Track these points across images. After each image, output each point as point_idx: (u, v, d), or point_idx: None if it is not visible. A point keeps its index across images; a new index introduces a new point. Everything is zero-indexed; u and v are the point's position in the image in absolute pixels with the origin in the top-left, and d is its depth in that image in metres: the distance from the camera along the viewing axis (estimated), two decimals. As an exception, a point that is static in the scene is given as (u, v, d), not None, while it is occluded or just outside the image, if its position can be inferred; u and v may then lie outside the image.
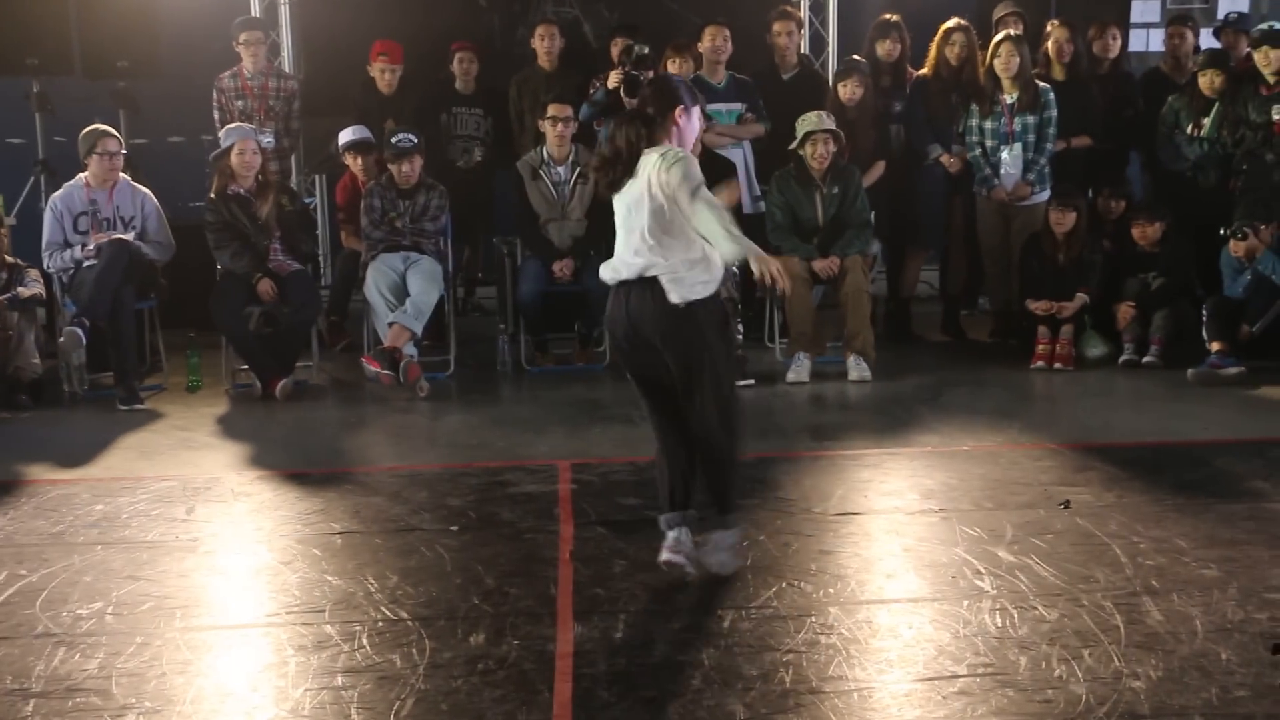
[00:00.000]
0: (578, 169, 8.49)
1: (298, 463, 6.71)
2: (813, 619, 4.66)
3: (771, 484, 6.17)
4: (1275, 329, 8.19)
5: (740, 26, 9.15)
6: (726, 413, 4.93)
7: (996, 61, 8.77)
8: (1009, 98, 8.77)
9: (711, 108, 8.62)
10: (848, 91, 8.81)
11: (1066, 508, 5.75)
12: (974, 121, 8.87)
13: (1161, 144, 9.06)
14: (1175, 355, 8.23)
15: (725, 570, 5.02)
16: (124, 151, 8.25)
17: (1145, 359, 8.34)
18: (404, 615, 4.73)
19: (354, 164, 9.01)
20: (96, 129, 8.17)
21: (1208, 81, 8.81)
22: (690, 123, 5.00)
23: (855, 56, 9.06)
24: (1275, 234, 8.25)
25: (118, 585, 5.06)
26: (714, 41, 8.94)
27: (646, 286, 4.87)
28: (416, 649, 4.45)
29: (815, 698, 4.07)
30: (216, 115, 9.18)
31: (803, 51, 9.70)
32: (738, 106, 9.00)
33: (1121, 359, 8.41)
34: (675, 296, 4.81)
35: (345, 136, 9.02)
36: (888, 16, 9.23)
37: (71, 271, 8.01)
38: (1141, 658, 4.30)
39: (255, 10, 9.90)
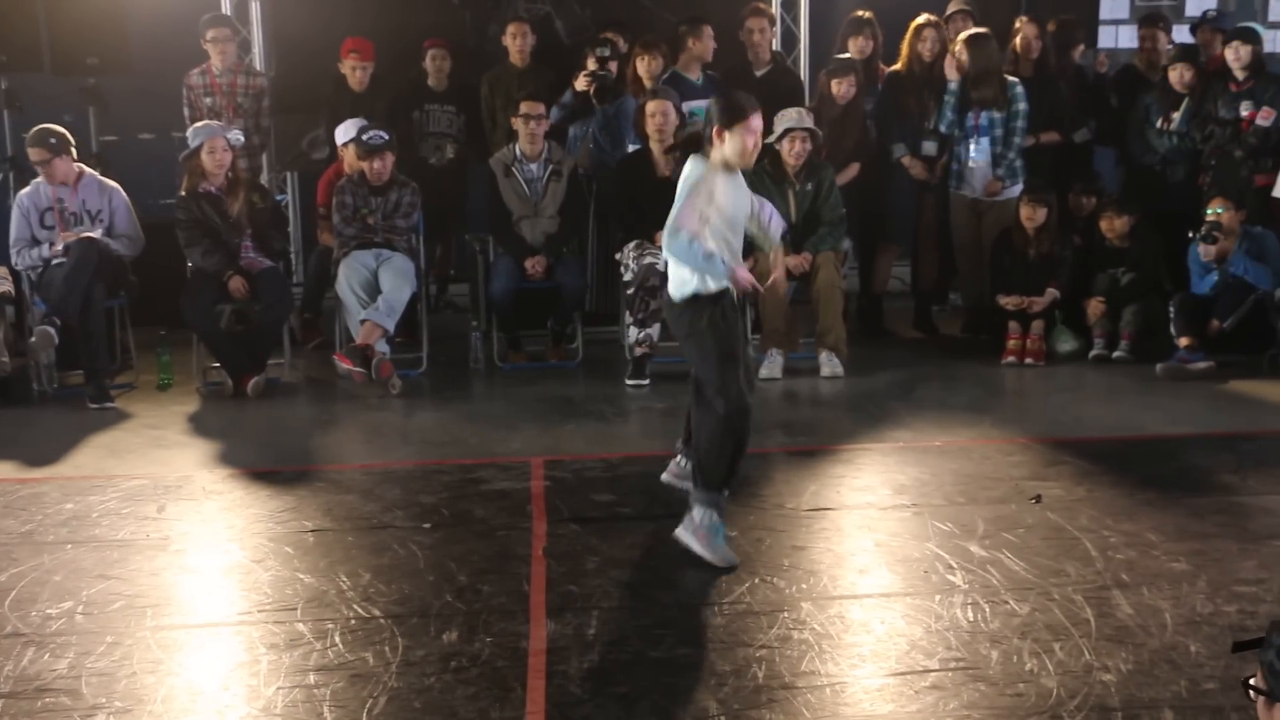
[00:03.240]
0: (550, 166, 8.48)
1: (270, 460, 6.69)
2: (786, 614, 4.67)
3: (744, 479, 6.16)
4: (1245, 324, 8.25)
5: (713, 24, 9.14)
6: (711, 398, 5.17)
7: (948, 59, 8.82)
8: (974, 93, 8.80)
9: (689, 105, 8.62)
10: (841, 90, 8.80)
11: (1038, 502, 5.77)
12: (949, 114, 8.88)
13: (1133, 138, 9.12)
14: (1145, 350, 8.28)
15: (689, 546, 5.18)
16: (53, 157, 8.05)
17: (1115, 354, 8.38)
18: (376, 613, 4.73)
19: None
20: (31, 134, 8.10)
21: (1177, 76, 8.87)
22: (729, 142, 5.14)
23: (845, 54, 9.06)
24: (1242, 226, 8.31)
25: (88, 584, 5.04)
26: (706, 43, 8.95)
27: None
28: (389, 647, 4.45)
29: (788, 693, 4.08)
30: (186, 112, 9.13)
31: (775, 49, 9.70)
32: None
33: (1092, 354, 8.45)
34: (673, 291, 5.23)
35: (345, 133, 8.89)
36: (860, 14, 9.25)
37: (40, 270, 7.96)
38: (1112, 651, 4.33)
39: (225, 7, 9.85)
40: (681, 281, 5.18)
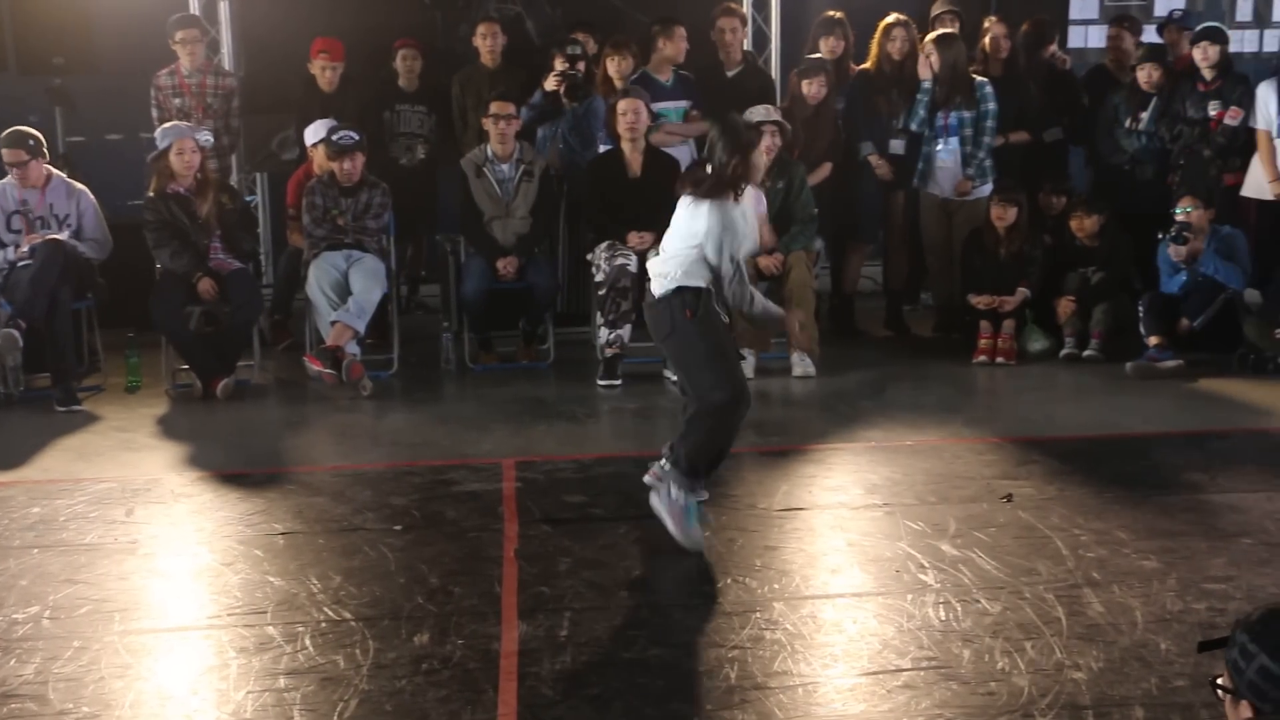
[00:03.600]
0: (522, 167, 8.46)
1: (239, 463, 6.65)
2: (758, 615, 4.67)
3: (716, 480, 6.13)
4: (1214, 323, 8.29)
5: (684, 24, 9.12)
6: (707, 391, 5.28)
7: (920, 59, 8.85)
8: (944, 93, 8.82)
9: (659, 106, 8.62)
10: (812, 90, 8.80)
11: (1009, 501, 5.79)
12: (921, 113, 8.90)
13: (1101, 138, 9.15)
14: (1115, 349, 8.30)
15: (661, 518, 5.32)
16: (30, 159, 8.01)
17: (1086, 352, 8.40)
18: (347, 615, 4.71)
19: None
20: (7, 135, 8.04)
21: (1145, 75, 8.91)
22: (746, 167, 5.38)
23: (816, 54, 9.06)
24: (1212, 225, 8.35)
25: (55, 589, 5.00)
26: (679, 45, 8.94)
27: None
28: (360, 649, 4.43)
29: (760, 693, 4.08)
30: (154, 113, 9.07)
31: (746, 49, 9.70)
32: (685, 104, 9.00)
33: (1062, 353, 8.47)
34: (657, 288, 5.34)
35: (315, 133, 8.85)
36: (831, 14, 9.26)
37: (6, 272, 7.90)
38: (1083, 649, 4.34)
39: (194, 7, 9.80)
40: (665, 276, 5.28)
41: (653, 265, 5.47)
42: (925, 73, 8.84)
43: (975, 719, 3.91)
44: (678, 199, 5.43)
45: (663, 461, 5.47)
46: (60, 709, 4.03)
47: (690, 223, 5.30)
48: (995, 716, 3.92)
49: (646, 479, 5.53)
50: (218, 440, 7.13)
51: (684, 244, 5.31)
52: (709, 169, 5.35)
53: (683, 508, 5.27)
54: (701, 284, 5.25)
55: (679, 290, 5.25)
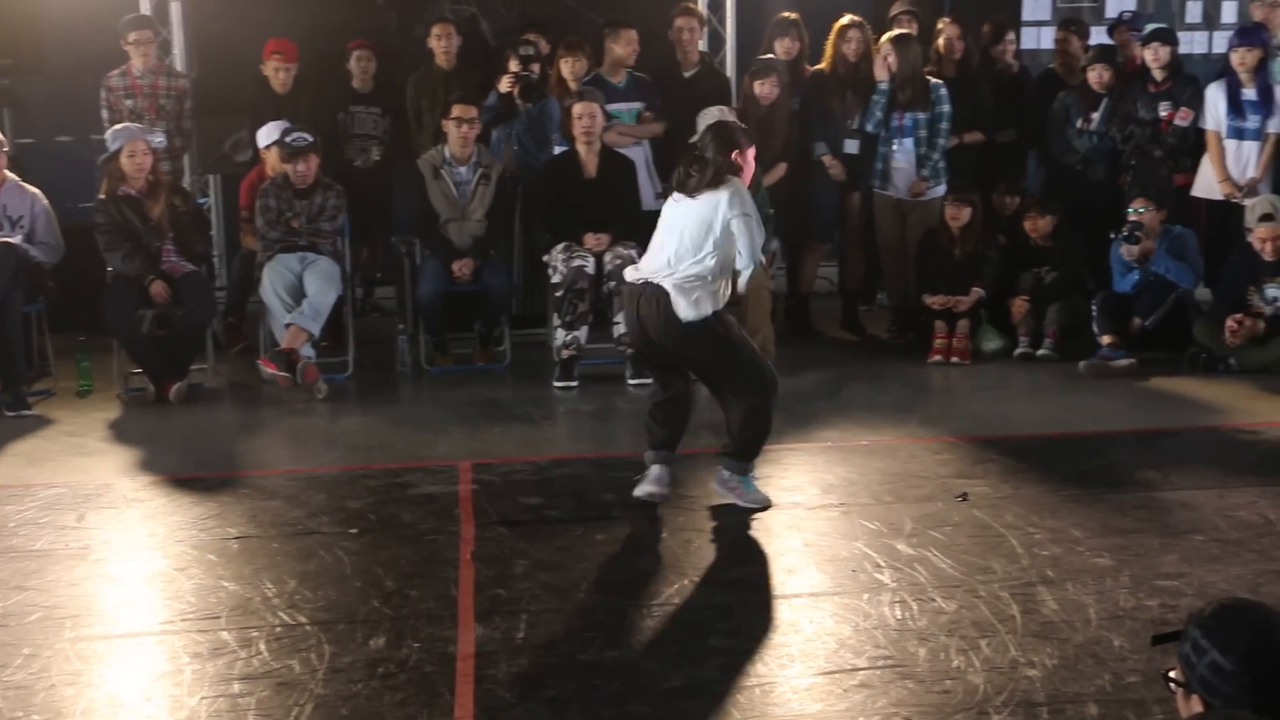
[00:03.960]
0: (479, 169, 8.43)
1: (192, 467, 6.60)
2: (714, 615, 4.67)
3: (673, 481, 6.17)
4: (1165, 322, 8.36)
5: (639, 25, 9.13)
6: (746, 387, 5.69)
7: (877, 61, 8.88)
8: (900, 94, 8.86)
9: (612, 107, 8.61)
10: (765, 90, 8.81)
11: (964, 500, 5.81)
12: (878, 114, 8.92)
13: (1052, 138, 9.21)
14: (1069, 348, 8.36)
15: (726, 497, 5.78)
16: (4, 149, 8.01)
17: (1040, 352, 8.45)
18: (302, 620, 4.68)
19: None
20: None
21: (1096, 76, 8.97)
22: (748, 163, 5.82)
23: (769, 55, 9.07)
24: (1163, 225, 8.42)
25: (4, 596, 4.95)
26: (627, 47, 8.93)
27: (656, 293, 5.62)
28: (315, 654, 4.40)
29: (717, 694, 4.08)
30: (105, 114, 8.99)
31: (702, 49, 9.71)
32: (638, 105, 9.00)
33: (1017, 352, 8.51)
34: (685, 314, 5.57)
35: (268, 135, 8.80)
36: (786, 15, 9.27)
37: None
38: (1037, 646, 4.36)
39: (145, 8, 9.72)
40: (696, 303, 5.56)
41: (657, 268, 5.70)
42: (882, 74, 8.86)
43: (931, 717, 3.92)
44: (658, 201, 5.64)
45: (662, 469, 5.86)
46: (10, 717, 3.99)
47: (698, 223, 5.63)
48: (951, 714, 3.93)
49: (646, 491, 5.83)
50: (170, 444, 7.07)
51: (696, 248, 5.63)
52: (700, 167, 5.66)
53: (740, 482, 5.77)
54: (720, 287, 5.70)
55: (712, 314, 5.60)
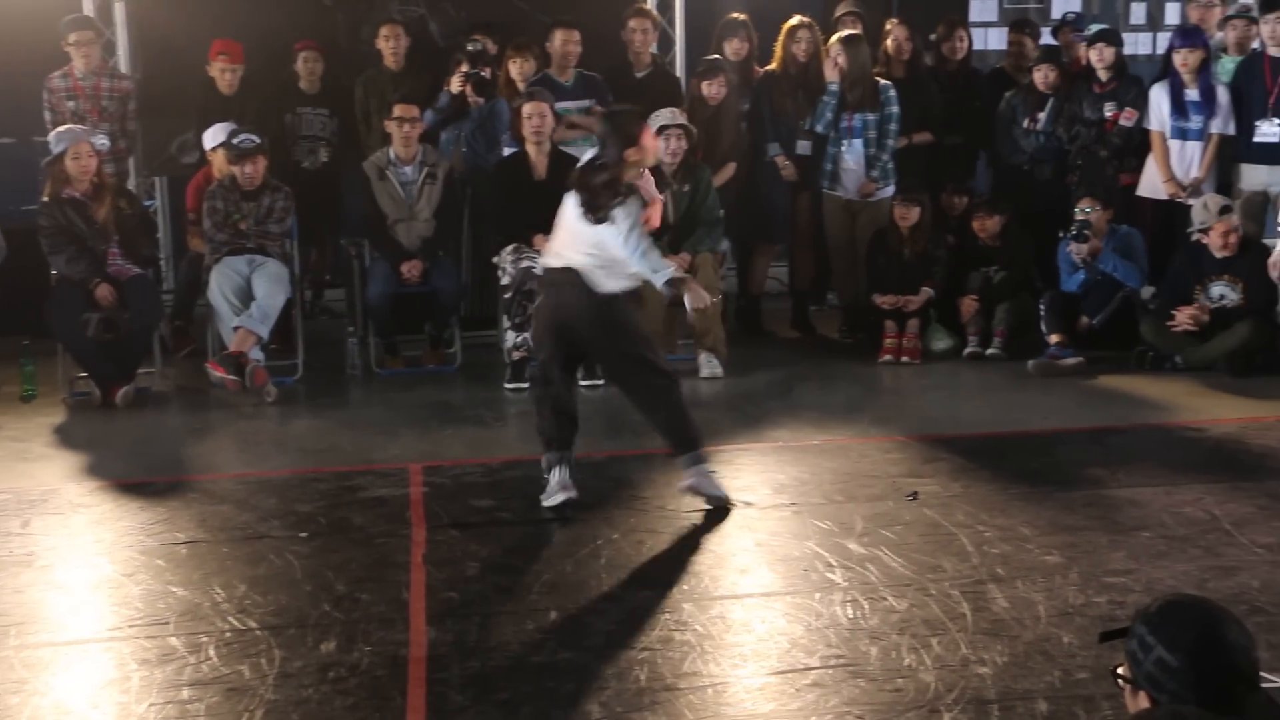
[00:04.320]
0: (425, 169, 8.40)
1: (140, 472, 6.54)
2: (667, 616, 4.67)
3: (625, 482, 6.18)
4: (1112, 321, 8.43)
5: (589, 25, 9.12)
6: (655, 371, 5.80)
7: (825, 62, 8.91)
8: (849, 95, 8.89)
9: (561, 106, 8.59)
10: (712, 90, 8.82)
11: (914, 499, 5.84)
12: (827, 115, 8.95)
13: (1000, 138, 9.27)
14: (1017, 347, 8.41)
15: (715, 490, 5.77)
16: None
17: (989, 351, 8.50)
18: (252, 625, 4.64)
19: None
20: None
21: (1041, 76, 9.04)
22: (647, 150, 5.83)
23: (715, 56, 9.08)
24: (1110, 225, 8.50)
25: (-50, 603, 4.89)
26: (565, 46, 8.92)
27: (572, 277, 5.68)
28: (265, 659, 4.37)
29: (670, 694, 4.08)
30: (48, 116, 8.89)
31: (653, 50, 9.71)
32: (586, 103, 8.99)
33: (966, 351, 8.56)
34: (604, 284, 5.66)
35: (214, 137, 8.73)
36: (735, 15, 9.29)
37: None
38: (988, 644, 4.39)
39: (88, 9, 9.63)
40: (613, 276, 5.66)
41: (568, 255, 5.73)
42: (833, 75, 8.88)
43: (883, 715, 3.94)
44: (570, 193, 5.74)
45: (565, 469, 5.84)
46: (-45, 726, 3.94)
47: (592, 231, 5.64)
48: (903, 712, 3.95)
49: (559, 498, 5.80)
50: (117, 449, 7.01)
51: (588, 249, 5.66)
52: (602, 168, 5.67)
53: (704, 474, 5.78)
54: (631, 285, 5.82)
55: (621, 292, 5.74)
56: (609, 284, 5.67)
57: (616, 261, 5.64)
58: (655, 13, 9.66)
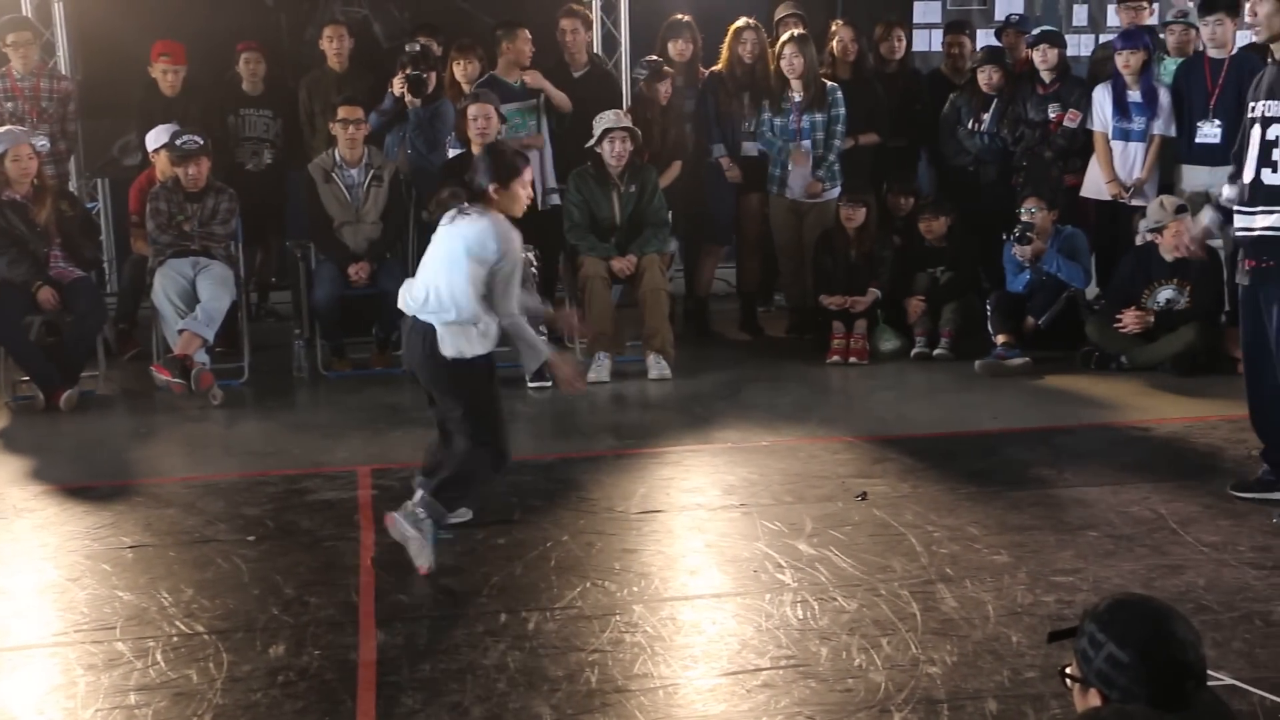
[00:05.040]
0: (371, 171, 8.37)
1: (85, 476, 6.47)
2: (617, 618, 4.67)
3: (574, 484, 6.16)
4: (1058, 321, 8.50)
5: (532, 25, 9.10)
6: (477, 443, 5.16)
7: (781, 62, 8.92)
8: (796, 96, 8.92)
9: (507, 107, 8.57)
10: (661, 91, 8.83)
11: (863, 499, 5.86)
12: (765, 116, 8.99)
13: (944, 139, 9.33)
14: (964, 347, 8.46)
15: (420, 554, 5.08)
16: None
17: (936, 351, 8.55)
18: (200, 629, 4.61)
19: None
20: None
21: (985, 77, 9.10)
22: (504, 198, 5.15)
23: (655, 57, 9.08)
24: (1055, 225, 8.57)
25: (-109, 610, 4.82)
26: (523, 46, 8.88)
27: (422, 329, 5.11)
28: (214, 663, 4.34)
29: (621, 696, 4.08)
30: (-13, 117, 8.82)
31: (593, 50, 9.70)
32: (532, 103, 8.96)
33: (914, 352, 8.61)
34: (448, 349, 5.05)
35: (157, 139, 8.66)
36: (679, 16, 9.29)
37: None
38: (937, 644, 4.41)
39: (25, 9, 9.52)
40: (457, 343, 5.03)
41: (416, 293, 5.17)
42: (796, 85, 8.88)
43: (834, 715, 3.95)
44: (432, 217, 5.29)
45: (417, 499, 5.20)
46: (-103, 735, 3.89)
47: (447, 255, 5.08)
48: (853, 713, 3.96)
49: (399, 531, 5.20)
50: (62, 453, 6.93)
51: (452, 279, 5.02)
52: (454, 194, 5.21)
53: (430, 533, 5.12)
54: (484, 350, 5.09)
55: (469, 358, 5.07)
56: (455, 348, 5.05)
57: (465, 314, 5.02)
58: (586, 11, 9.60)
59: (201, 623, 4.66)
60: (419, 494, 5.16)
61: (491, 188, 5.09)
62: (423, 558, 5.08)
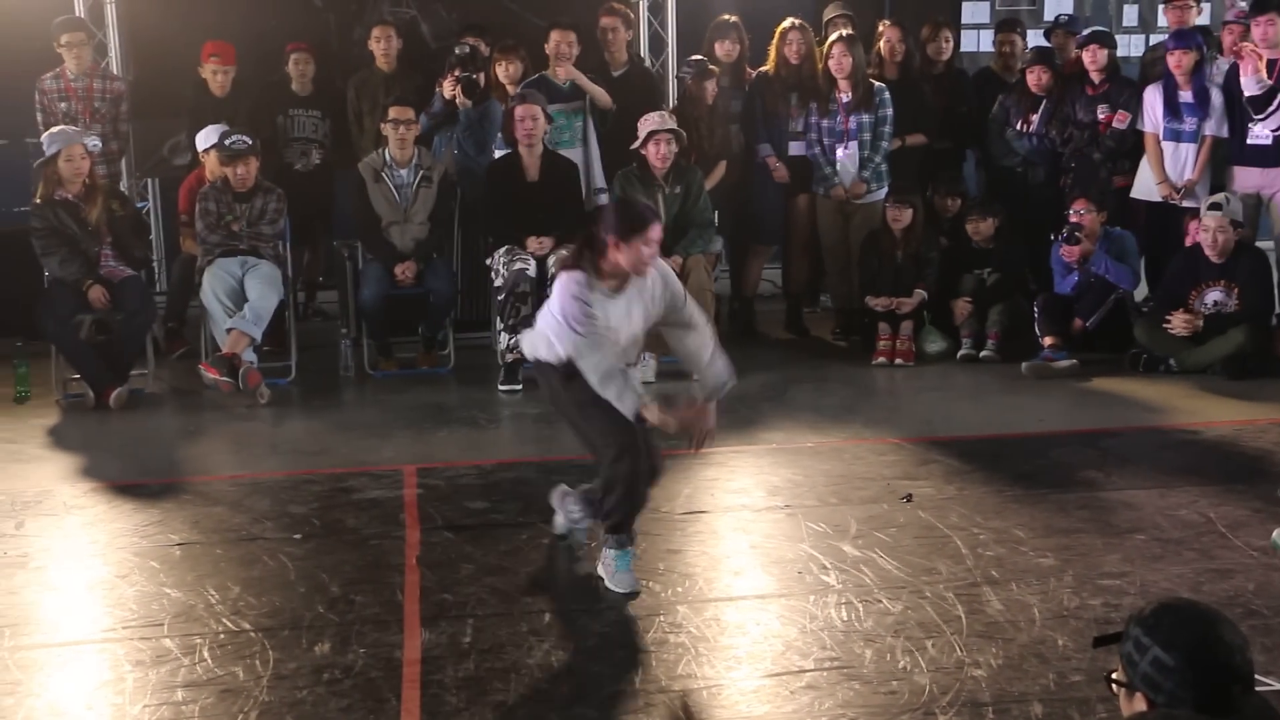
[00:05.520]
0: (420, 172, 8.40)
1: (134, 473, 6.53)
2: (661, 618, 4.67)
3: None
4: (1106, 323, 8.44)
5: (578, 25, 9.10)
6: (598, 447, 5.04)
7: (830, 62, 8.90)
8: (845, 96, 8.90)
9: (554, 108, 8.58)
10: (709, 90, 8.83)
11: (909, 501, 5.84)
12: (813, 119, 8.98)
13: (993, 140, 9.28)
14: (1011, 349, 8.41)
15: (622, 586, 4.94)
16: None
17: (983, 353, 8.50)
18: (246, 626, 4.64)
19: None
20: None
21: (1034, 78, 9.04)
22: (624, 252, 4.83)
23: (698, 57, 9.07)
24: (1103, 227, 8.51)
25: (-57, 605, 4.88)
26: (558, 47, 8.89)
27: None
28: (260, 660, 4.37)
29: (665, 696, 4.08)
30: (40, 117, 8.89)
31: (634, 50, 9.69)
32: (578, 104, 8.98)
33: (960, 353, 8.56)
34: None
35: (207, 139, 8.73)
36: (726, 17, 9.29)
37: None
38: (982, 647, 4.39)
39: (79, 10, 9.62)
40: (539, 342, 5.07)
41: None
42: (845, 86, 8.86)
43: (878, 718, 3.94)
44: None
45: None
46: (-51, 728, 3.94)
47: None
48: (897, 715, 3.95)
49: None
50: (111, 451, 6.99)
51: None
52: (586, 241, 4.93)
53: (614, 555, 5.01)
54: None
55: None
56: (532, 347, 5.14)
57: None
58: (628, 10, 9.58)
59: (248, 620, 4.69)
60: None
61: (611, 240, 4.82)
62: (616, 583, 4.96)
